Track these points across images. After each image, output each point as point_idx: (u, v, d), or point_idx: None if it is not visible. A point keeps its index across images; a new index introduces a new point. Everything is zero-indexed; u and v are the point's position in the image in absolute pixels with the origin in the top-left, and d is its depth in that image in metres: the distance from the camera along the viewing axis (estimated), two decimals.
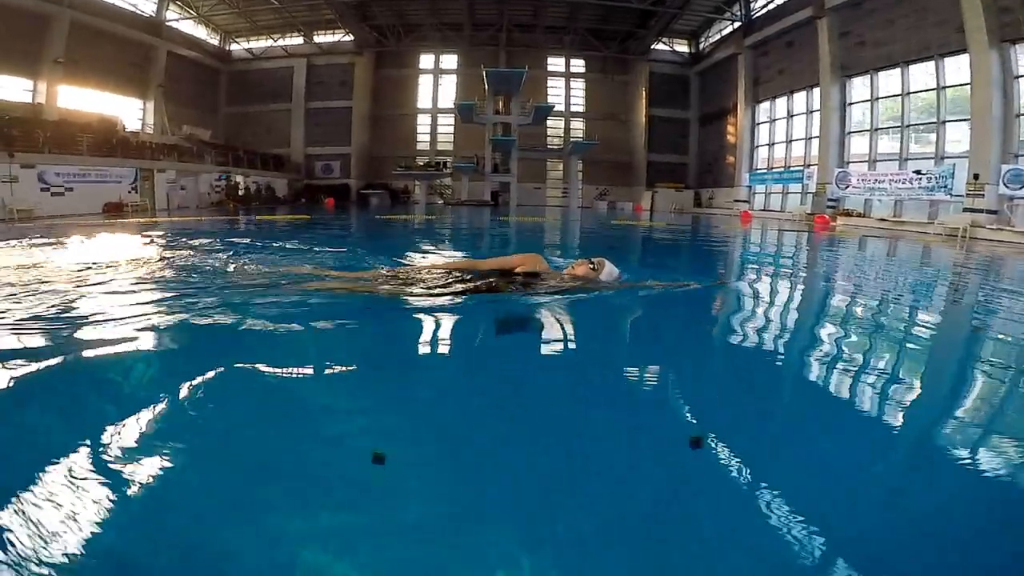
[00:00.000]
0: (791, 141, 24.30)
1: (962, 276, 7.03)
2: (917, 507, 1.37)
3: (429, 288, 3.41)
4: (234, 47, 32.96)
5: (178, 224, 12.76)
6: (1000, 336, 3.42)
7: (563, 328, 3.04)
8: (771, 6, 24.54)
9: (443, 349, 2.64)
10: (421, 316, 3.10)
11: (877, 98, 19.60)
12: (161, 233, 9.12)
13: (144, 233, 9.17)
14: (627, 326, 3.42)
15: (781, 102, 24.85)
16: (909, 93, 18.40)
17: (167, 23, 27.91)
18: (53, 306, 2.96)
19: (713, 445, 1.58)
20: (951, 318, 4.22)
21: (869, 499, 1.38)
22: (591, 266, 3.68)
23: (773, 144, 25.76)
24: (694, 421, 1.87)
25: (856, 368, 2.47)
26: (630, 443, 1.66)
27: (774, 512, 1.23)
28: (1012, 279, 6.83)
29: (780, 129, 25.14)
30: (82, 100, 24.43)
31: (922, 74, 18.05)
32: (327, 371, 2.29)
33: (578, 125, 34.61)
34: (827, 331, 3.34)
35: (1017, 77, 15.22)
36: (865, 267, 7.54)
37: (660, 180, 31.53)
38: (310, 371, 2.26)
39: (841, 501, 1.35)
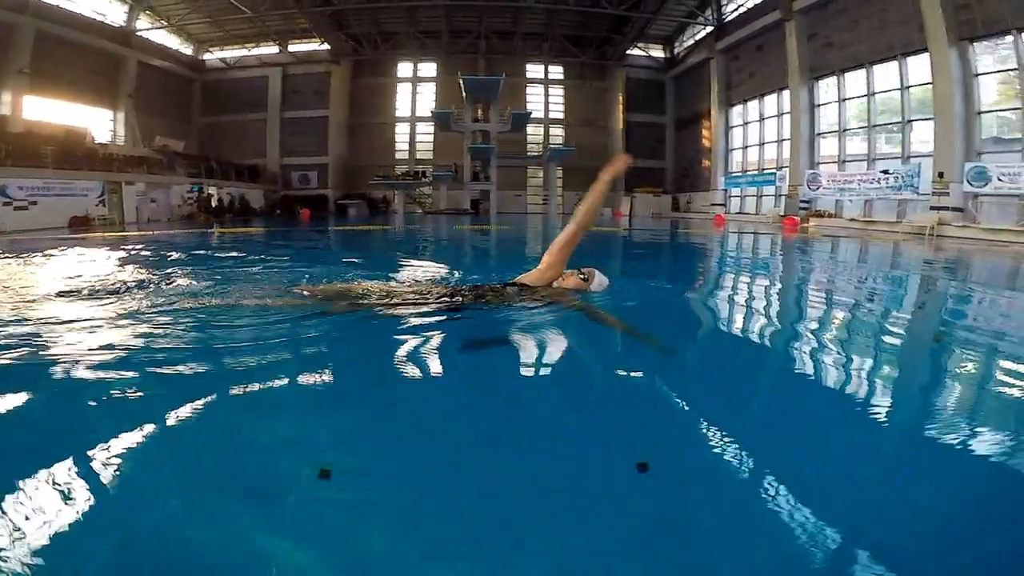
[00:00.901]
0: (763, 144, 24.49)
1: (925, 274, 6.99)
2: (915, 515, 1.35)
3: (415, 300, 3.46)
4: (208, 56, 32.63)
5: (144, 238, 12.46)
6: (957, 334, 3.36)
7: (544, 343, 2.96)
8: (742, 10, 24.80)
9: (427, 363, 2.57)
10: (402, 331, 3.03)
11: (844, 99, 19.79)
12: (125, 247, 8.90)
13: (108, 247, 8.95)
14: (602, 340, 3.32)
15: (753, 105, 25.05)
16: (874, 93, 18.60)
17: (137, 32, 27.56)
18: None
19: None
20: (909, 316, 4.16)
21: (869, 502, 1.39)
22: (581, 277, 3.66)
23: (747, 147, 25.95)
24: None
25: (815, 370, 2.51)
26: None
27: (775, 517, 1.26)
28: (967, 275, 6.79)
29: (753, 132, 25.33)
30: (50, 111, 24.02)
31: (887, 74, 18.25)
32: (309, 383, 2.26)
33: (558, 132, 34.66)
34: (783, 336, 3.31)
35: (977, 75, 15.42)
36: (829, 268, 7.52)
37: (639, 185, 31.61)
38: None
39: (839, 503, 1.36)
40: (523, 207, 33.78)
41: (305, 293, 3.75)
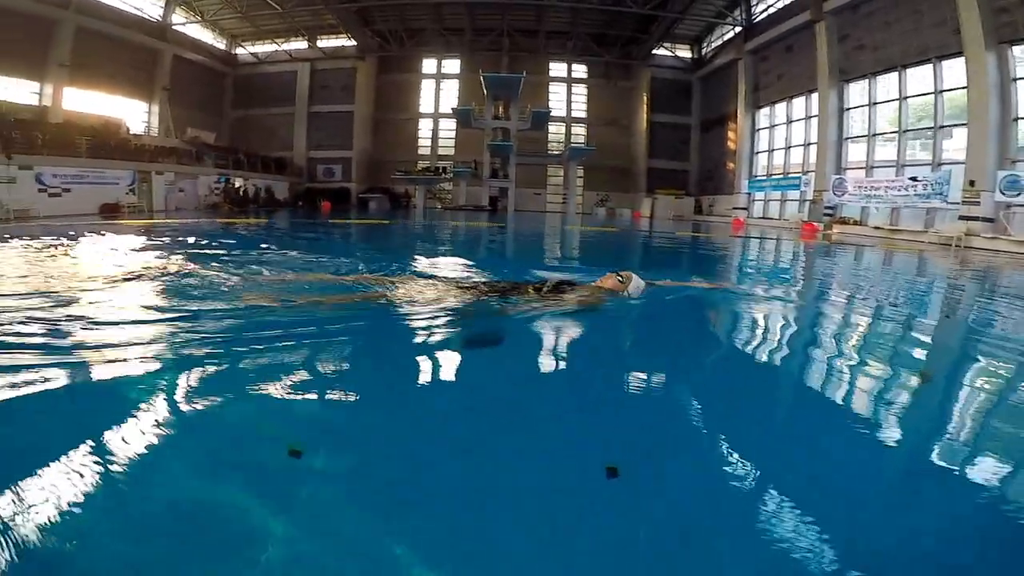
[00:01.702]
0: (790, 148, 23.85)
1: (935, 292, 6.67)
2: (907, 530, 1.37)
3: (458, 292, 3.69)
4: (240, 51, 33.49)
5: (169, 224, 12.97)
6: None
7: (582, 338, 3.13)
8: (771, 10, 24.19)
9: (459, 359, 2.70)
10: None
11: (875, 103, 19.13)
12: (148, 233, 9.33)
13: (137, 232, 9.38)
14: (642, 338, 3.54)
15: (780, 108, 24.41)
16: (906, 97, 17.92)
17: (173, 27, 28.45)
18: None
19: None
20: (896, 343, 3.98)
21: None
22: (619, 279, 3.87)
23: (772, 151, 25.31)
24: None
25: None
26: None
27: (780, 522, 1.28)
28: (982, 293, 6.49)
29: (779, 135, 24.69)
30: (88, 103, 25.01)
31: (920, 78, 17.57)
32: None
33: (580, 131, 34.43)
34: (768, 349, 3.25)
35: (1015, 80, 14.72)
36: (833, 281, 7.24)
37: (661, 187, 31.19)
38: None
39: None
40: (542, 205, 33.70)
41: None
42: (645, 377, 2.55)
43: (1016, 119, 14.84)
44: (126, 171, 20.88)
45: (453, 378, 2.41)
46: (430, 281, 4.20)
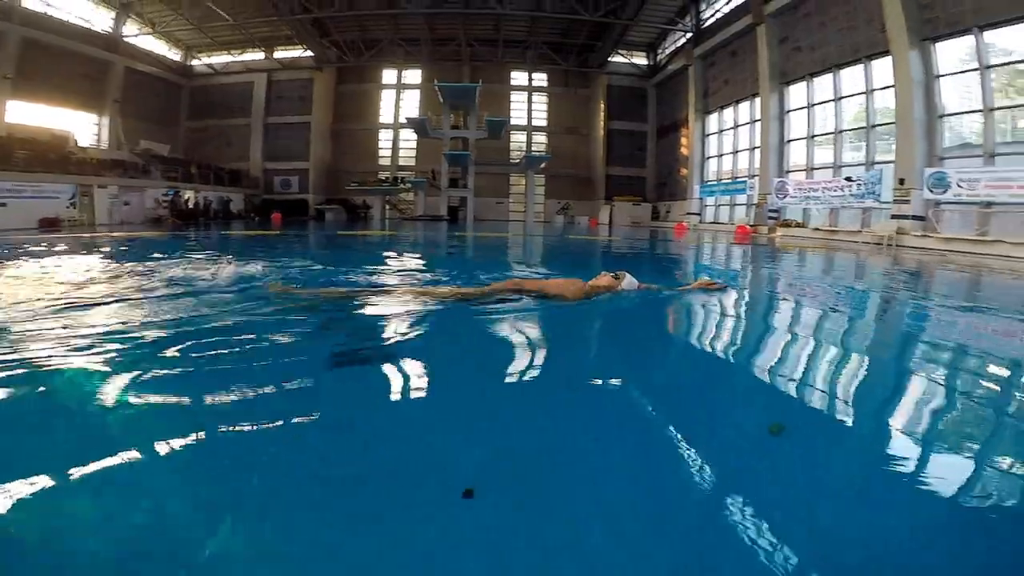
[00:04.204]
0: (737, 152, 23.75)
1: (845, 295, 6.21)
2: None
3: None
4: (195, 63, 33.25)
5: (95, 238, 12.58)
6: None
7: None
8: (718, 15, 24.23)
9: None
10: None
11: (812, 104, 19.05)
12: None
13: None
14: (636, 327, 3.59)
15: (728, 112, 24.37)
16: (841, 98, 17.84)
17: (124, 39, 28.19)
18: None
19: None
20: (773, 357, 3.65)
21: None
22: (613, 276, 4.12)
23: (722, 156, 25.23)
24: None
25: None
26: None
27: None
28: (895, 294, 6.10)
29: (728, 140, 24.61)
30: (36, 115, 24.63)
31: (854, 78, 17.50)
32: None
33: (541, 139, 34.36)
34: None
35: (938, 77, 14.62)
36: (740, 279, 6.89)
37: (620, 194, 31.04)
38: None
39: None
40: (504, 214, 33.47)
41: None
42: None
43: (941, 116, 14.72)
44: (66, 185, 20.48)
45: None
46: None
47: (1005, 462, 1.59)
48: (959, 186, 13.54)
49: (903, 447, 1.70)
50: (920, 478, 1.47)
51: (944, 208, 14.47)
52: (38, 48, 24.12)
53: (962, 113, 14.55)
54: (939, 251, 13.19)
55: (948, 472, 1.51)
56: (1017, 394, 2.35)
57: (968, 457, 1.63)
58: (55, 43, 24.78)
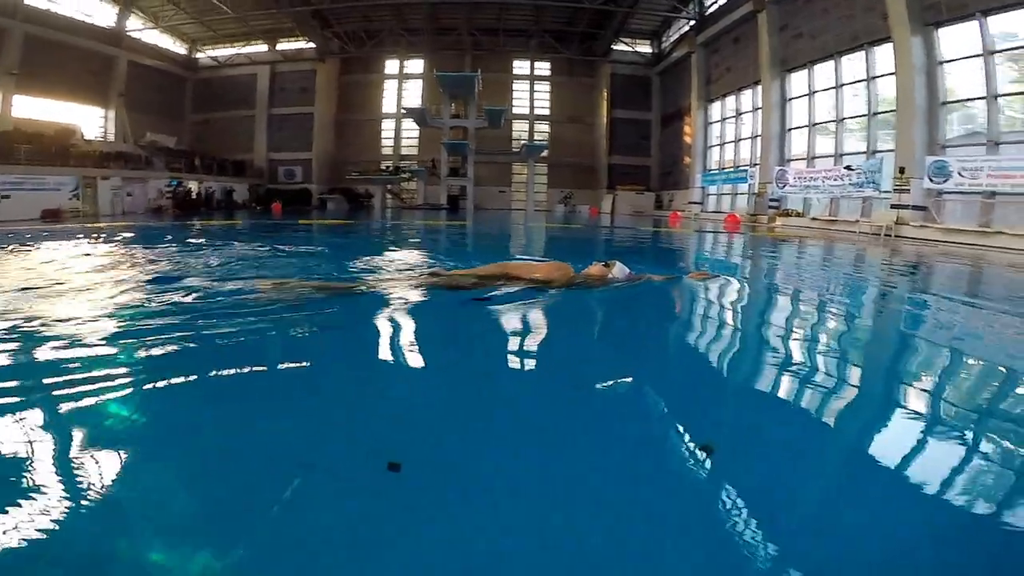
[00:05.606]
0: (739, 141, 23.44)
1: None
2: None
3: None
4: (200, 55, 33.42)
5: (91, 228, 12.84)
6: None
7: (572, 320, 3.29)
8: (721, 2, 23.79)
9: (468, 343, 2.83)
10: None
11: (814, 92, 18.71)
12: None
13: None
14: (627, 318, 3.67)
15: (730, 100, 24.01)
16: (842, 85, 17.50)
17: (128, 33, 28.36)
18: None
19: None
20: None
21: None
22: (604, 265, 4.16)
23: (724, 144, 24.90)
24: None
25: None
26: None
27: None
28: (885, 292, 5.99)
29: (731, 128, 24.27)
30: (42, 110, 24.98)
31: (854, 66, 17.14)
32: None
33: (543, 128, 34.12)
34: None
35: (941, 63, 14.28)
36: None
37: (623, 183, 30.81)
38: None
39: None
40: (507, 203, 33.39)
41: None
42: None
43: (943, 103, 14.40)
44: (68, 177, 20.79)
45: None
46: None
47: (1000, 461, 1.59)
48: (961, 175, 13.26)
49: (897, 446, 1.70)
50: (917, 478, 1.47)
51: (945, 198, 14.20)
52: (42, 44, 24.34)
53: (964, 100, 14.22)
54: (937, 242, 12.97)
55: (948, 472, 1.50)
56: (1008, 393, 2.34)
57: (967, 457, 1.63)
58: (59, 39, 25.01)
